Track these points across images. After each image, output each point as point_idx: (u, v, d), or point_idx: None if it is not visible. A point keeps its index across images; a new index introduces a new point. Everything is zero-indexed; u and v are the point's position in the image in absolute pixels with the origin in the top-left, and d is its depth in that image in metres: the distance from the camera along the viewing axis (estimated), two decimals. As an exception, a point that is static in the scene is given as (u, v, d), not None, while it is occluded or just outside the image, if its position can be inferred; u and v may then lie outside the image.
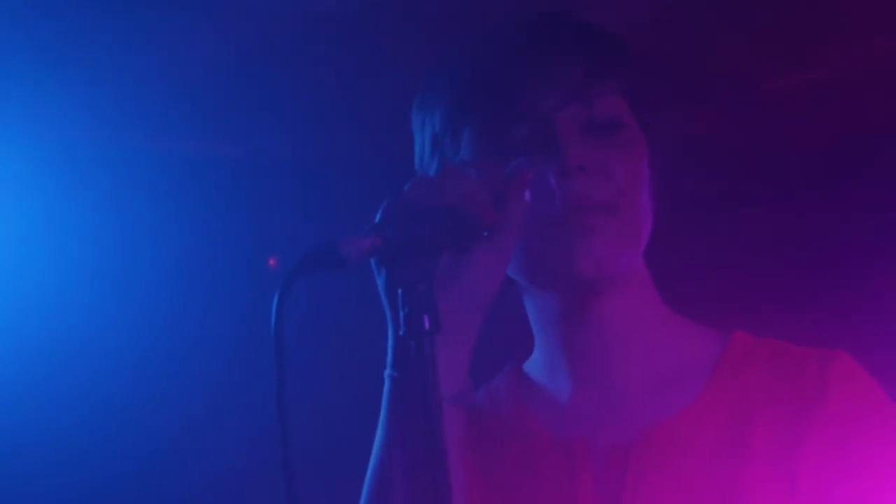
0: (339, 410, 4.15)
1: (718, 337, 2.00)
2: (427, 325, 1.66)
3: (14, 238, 3.89)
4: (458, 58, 1.97)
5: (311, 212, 4.04)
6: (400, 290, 1.68)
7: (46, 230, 3.90)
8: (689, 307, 2.03)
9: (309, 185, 4.13)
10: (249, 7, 3.31)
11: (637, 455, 1.88)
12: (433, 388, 1.65)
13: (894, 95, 3.78)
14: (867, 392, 1.90)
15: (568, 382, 1.97)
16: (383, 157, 4.08)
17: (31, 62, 3.49)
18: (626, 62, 1.95)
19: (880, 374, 1.95)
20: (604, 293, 1.93)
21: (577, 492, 1.89)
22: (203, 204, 4.04)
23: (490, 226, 1.76)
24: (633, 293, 1.95)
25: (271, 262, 4.10)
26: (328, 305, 3.77)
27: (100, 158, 3.91)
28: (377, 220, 1.71)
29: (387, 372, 1.77)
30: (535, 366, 2.03)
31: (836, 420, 1.86)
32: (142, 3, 3.21)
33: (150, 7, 3.22)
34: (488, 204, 1.75)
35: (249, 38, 3.46)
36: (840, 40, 3.67)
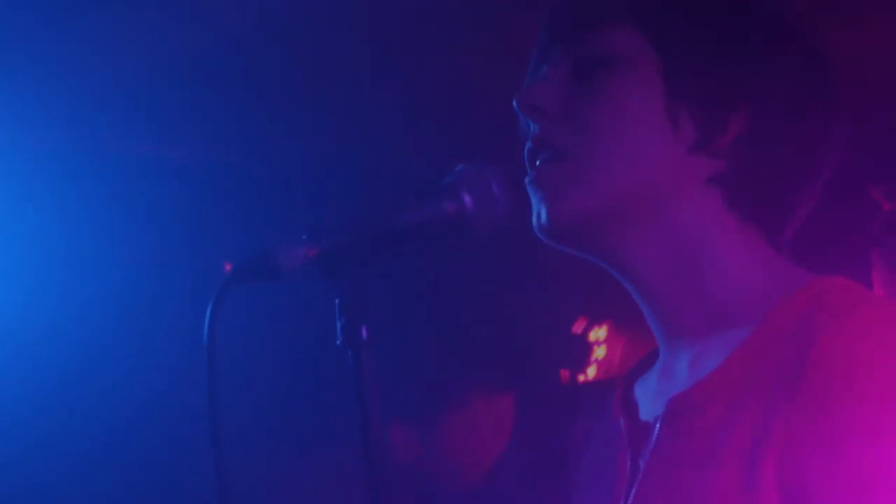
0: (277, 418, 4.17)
1: (797, 284, 1.73)
2: (365, 335, 1.64)
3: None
4: None
5: (261, 214, 4.03)
6: (337, 300, 1.65)
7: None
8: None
9: (259, 188, 4.12)
10: (201, 12, 3.31)
11: (657, 432, 1.75)
12: (370, 400, 1.63)
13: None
14: (859, 368, 1.58)
15: (660, 354, 1.85)
16: (332, 164, 4.08)
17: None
18: None
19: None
20: (614, 246, 1.78)
21: (617, 473, 1.79)
22: (153, 205, 4.04)
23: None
24: (663, 241, 1.77)
25: (227, 267, 4.08)
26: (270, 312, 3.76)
27: (47, 159, 3.90)
28: (315, 229, 1.68)
29: None
30: None
31: (809, 406, 1.59)
32: (87, 5, 3.20)
33: (97, 8, 3.21)
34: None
35: (201, 43, 3.45)
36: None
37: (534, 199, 1.78)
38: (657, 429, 1.75)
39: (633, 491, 1.75)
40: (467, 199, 1.71)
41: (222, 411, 1.61)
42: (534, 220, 1.79)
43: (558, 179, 1.76)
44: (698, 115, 1.76)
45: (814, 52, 1.82)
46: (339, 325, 1.64)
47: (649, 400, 1.83)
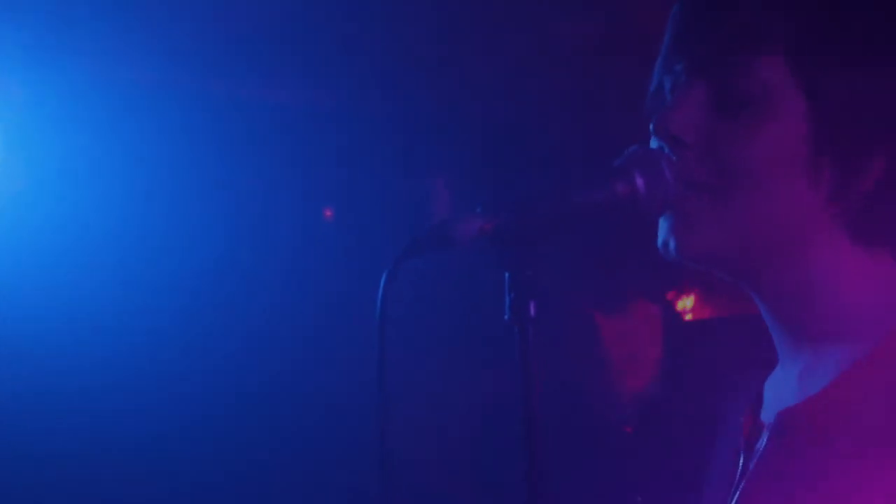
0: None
1: None
2: (533, 311, 1.65)
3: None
4: None
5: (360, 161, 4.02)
6: (507, 274, 1.67)
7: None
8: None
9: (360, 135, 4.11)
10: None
11: (765, 442, 1.77)
12: (534, 377, 1.64)
13: None
14: None
15: (779, 357, 1.85)
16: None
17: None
18: (787, 21, 1.72)
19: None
20: (745, 274, 1.79)
21: (733, 467, 1.81)
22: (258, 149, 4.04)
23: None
24: (787, 277, 1.76)
25: (327, 213, 4.07)
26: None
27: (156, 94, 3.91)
28: (489, 204, 1.70)
29: None
30: None
31: None
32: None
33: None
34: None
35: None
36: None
37: (664, 222, 1.77)
38: (765, 438, 1.77)
39: (738, 493, 1.77)
40: (639, 180, 1.72)
41: (390, 386, 1.63)
42: (660, 242, 1.78)
43: (695, 213, 1.74)
44: (841, 162, 1.72)
45: None
46: (507, 300, 1.66)
47: (770, 402, 1.83)
